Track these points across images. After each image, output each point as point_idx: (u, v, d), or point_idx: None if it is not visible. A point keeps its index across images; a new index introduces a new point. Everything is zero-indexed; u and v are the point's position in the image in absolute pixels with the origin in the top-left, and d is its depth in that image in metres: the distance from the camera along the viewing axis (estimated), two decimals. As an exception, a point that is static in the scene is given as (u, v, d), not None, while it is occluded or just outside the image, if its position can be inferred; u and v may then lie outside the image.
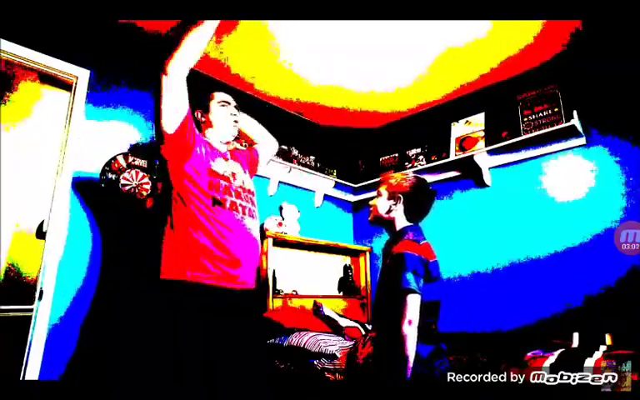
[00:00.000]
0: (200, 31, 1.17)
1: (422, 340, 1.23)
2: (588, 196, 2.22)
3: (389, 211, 1.47)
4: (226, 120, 1.48)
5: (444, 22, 2.15)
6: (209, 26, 1.19)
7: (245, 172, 1.50)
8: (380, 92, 2.90)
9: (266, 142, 1.75)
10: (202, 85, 1.97)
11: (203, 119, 1.47)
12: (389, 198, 1.48)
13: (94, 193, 2.05)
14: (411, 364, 1.18)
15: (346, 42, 2.33)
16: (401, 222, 1.46)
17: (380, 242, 3.18)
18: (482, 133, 2.65)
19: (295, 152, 3.01)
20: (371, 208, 1.55)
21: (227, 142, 1.51)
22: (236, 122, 1.50)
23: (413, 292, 1.23)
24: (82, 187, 2.03)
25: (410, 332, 1.20)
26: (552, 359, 1.43)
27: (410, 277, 1.24)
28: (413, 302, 1.23)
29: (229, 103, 1.50)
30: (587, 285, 2.11)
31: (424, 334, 1.25)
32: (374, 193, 3.41)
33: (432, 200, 1.50)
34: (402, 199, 1.46)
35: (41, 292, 1.82)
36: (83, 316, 1.91)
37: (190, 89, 1.26)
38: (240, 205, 1.33)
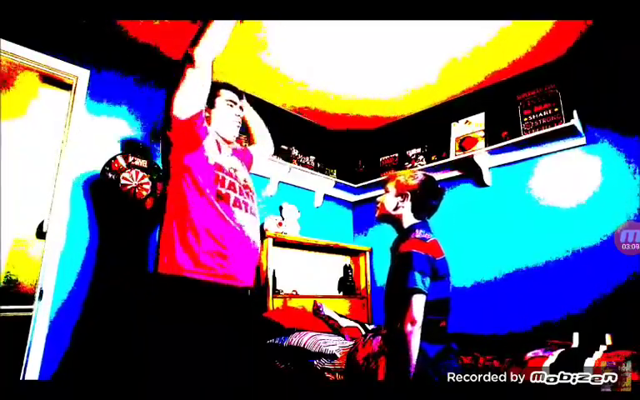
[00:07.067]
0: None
1: (429, 339, 1.22)
2: (589, 195, 2.21)
3: (396, 208, 1.45)
4: (230, 120, 1.48)
5: (450, 31, 2.18)
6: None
7: (245, 169, 1.50)
8: (383, 99, 2.96)
9: (263, 143, 1.81)
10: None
11: (207, 114, 1.44)
12: (397, 195, 1.46)
13: (94, 193, 2.05)
14: (414, 363, 1.18)
15: (350, 54, 2.40)
16: (408, 219, 1.44)
17: (380, 242, 3.18)
18: (482, 133, 2.65)
19: (295, 152, 3.01)
20: (378, 205, 1.53)
21: (228, 142, 1.50)
22: (239, 124, 1.51)
23: (419, 291, 1.22)
24: (82, 188, 2.03)
25: (413, 331, 1.19)
26: (552, 359, 1.43)
27: (416, 276, 1.23)
28: (418, 302, 1.22)
29: (235, 104, 1.50)
30: (592, 288, 2.10)
31: (432, 332, 1.24)
32: (374, 193, 3.43)
33: (440, 198, 1.48)
34: (409, 196, 1.44)
35: (41, 292, 1.82)
36: (79, 315, 1.92)
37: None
38: (243, 202, 1.33)
